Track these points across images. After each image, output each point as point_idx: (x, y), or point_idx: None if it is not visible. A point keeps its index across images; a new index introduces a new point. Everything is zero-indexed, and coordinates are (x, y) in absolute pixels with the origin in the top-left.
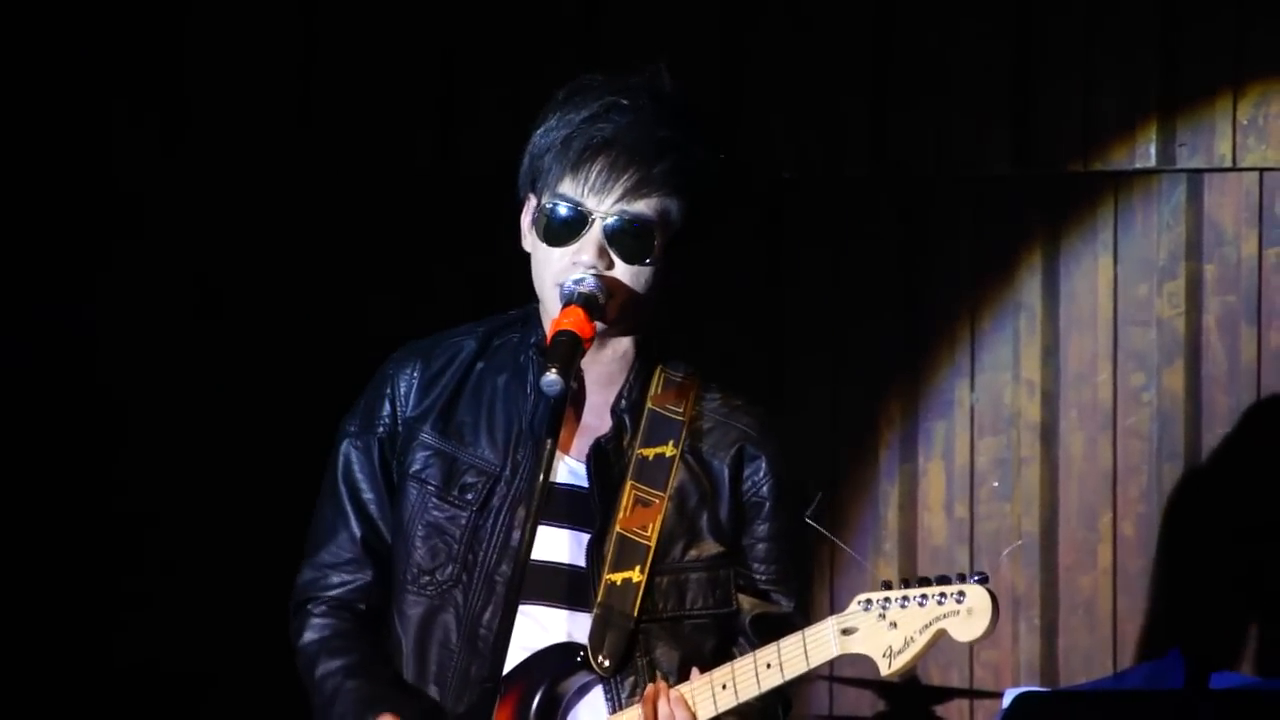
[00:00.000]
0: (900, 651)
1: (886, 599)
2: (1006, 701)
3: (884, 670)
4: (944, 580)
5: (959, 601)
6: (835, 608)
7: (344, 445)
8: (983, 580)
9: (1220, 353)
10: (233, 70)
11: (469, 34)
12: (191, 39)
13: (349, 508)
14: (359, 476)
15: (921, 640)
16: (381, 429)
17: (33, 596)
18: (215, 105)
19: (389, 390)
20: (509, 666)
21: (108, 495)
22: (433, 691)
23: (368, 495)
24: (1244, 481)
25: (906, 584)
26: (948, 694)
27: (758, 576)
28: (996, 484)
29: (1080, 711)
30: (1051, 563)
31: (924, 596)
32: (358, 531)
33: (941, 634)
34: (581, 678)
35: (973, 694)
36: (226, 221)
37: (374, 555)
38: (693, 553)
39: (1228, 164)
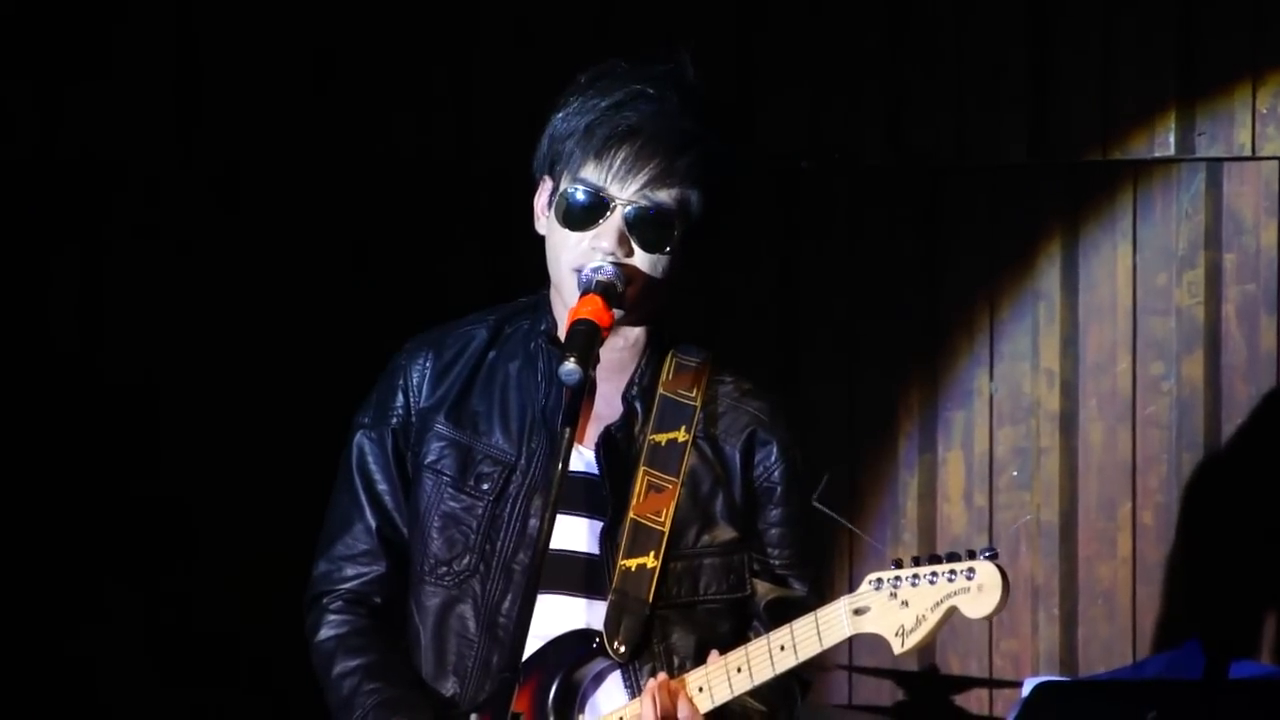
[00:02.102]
0: (913, 630)
1: (897, 578)
2: (1026, 691)
3: (897, 649)
4: (954, 557)
5: (969, 578)
6: (853, 591)
7: (357, 437)
8: (992, 556)
9: (1240, 342)
10: (247, 63)
11: (485, 23)
12: (205, 31)
13: (363, 499)
14: (373, 468)
15: (933, 618)
16: (395, 420)
17: (43, 591)
18: (230, 98)
19: (401, 381)
20: (526, 655)
21: (121, 492)
22: (452, 683)
23: (381, 486)
24: (1264, 470)
25: (917, 562)
26: (967, 683)
27: (773, 561)
28: (1016, 473)
29: (1099, 701)
30: (1071, 552)
31: (934, 574)
32: (372, 523)
33: (953, 611)
34: (598, 664)
35: (992, 683)
36: (241, 214)
37: (389, 546)
38: (706, 538)
39: (1247, 153)
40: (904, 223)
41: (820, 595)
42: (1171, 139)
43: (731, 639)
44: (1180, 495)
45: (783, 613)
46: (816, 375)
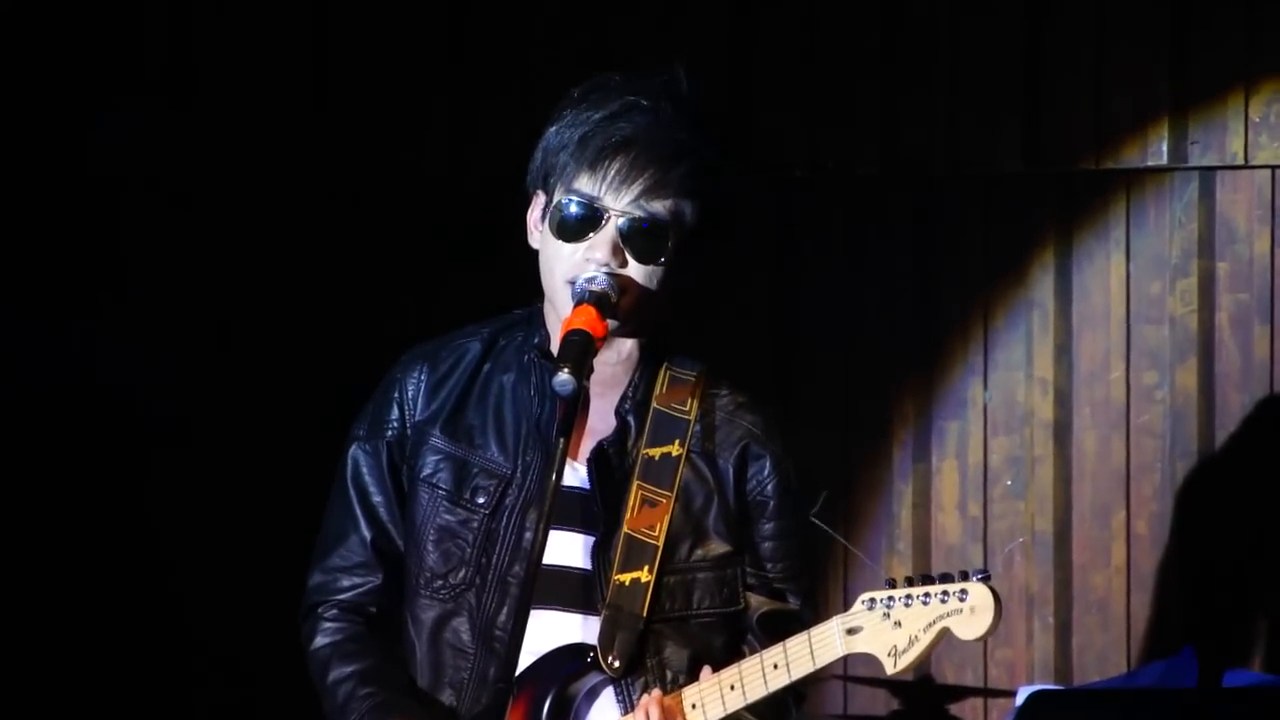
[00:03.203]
0: (905, 651)
1: (890, 598)
2: (1020, 699)
3: (889, 669)
4: (946, 578)
5: (961, 599)
6: (848, 607)
7: (352, 449)
8: (985, 578)
9: (1233, 350)
10: (243, 75)
11: (478, 35)
12: (201, 43)
13: (358, 511)
14: (367, 480)
15: (926, 639)
16: (390, 433)
17: (49, 603)
18: (226, 109)
19: (397, 394)
20: (520, 669)
21: (117, 501)
22: (448, 695)
23: (376, 499)
24: (1257, 479)
25: (910, 582)
26: (961, 692)
27: (767, 575)
28: (1010, 483)
29: (1094, 710)
30: (1065, 561)
31: (927, 595)
32: (367, 535)
33: (946, 632)
34: (591, 679)
35: (987, 692)
36: (238, 228)
37: (383, 558)
38: (699, 552)
39: (1240, 161)
40: (898, 232)
41: (815, 608)
42: (1164, 148)
43: (725, 653)
44: (1174, 504)
45: (778, 626)
46: (811, 384)
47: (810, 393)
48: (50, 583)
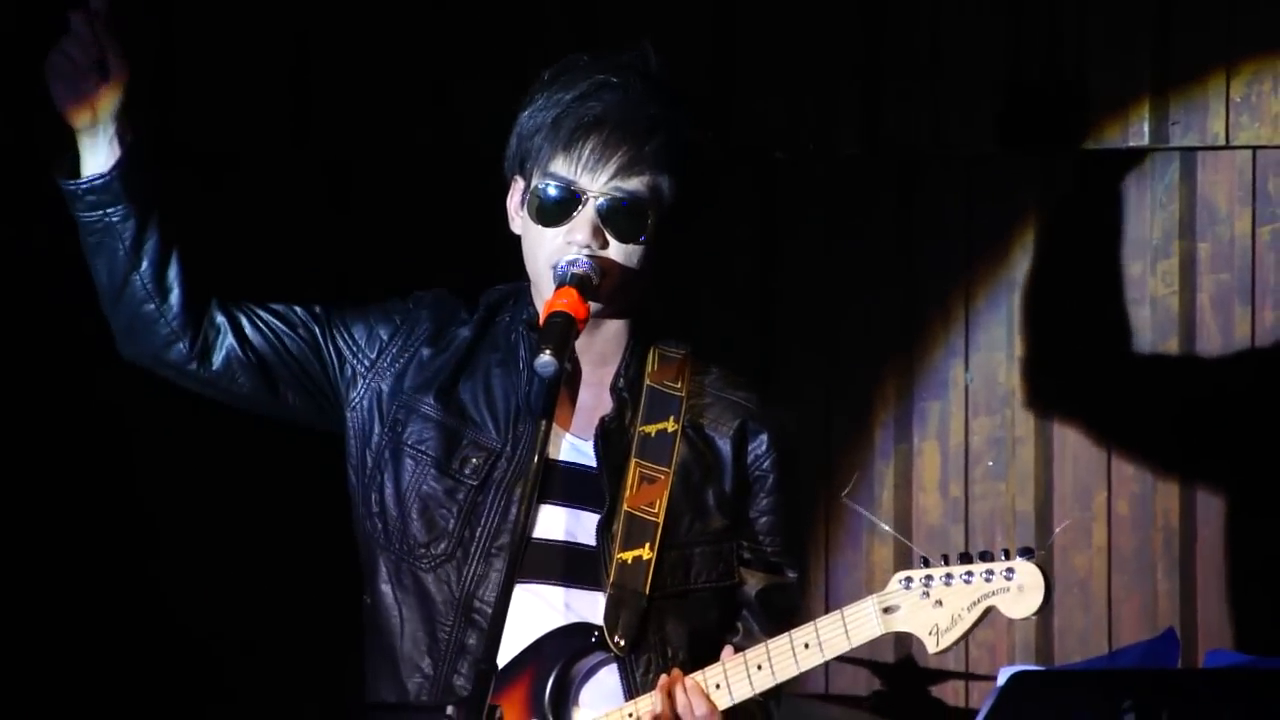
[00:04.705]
0: (948, 629)
1: (929, 577)
2: (1001, 680)
3: (931, 648)
4: (987, 556)
5: (1008, 578)
6: (830, 586)
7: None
8: (1030, 556)
9: (1214, 331)
10: (225, 47)
11: (466, 8)
12: (183, 12)
13: (299, 309)
14: (299, 313)
15: (970, 618)
16: (358, 334)
17: (39, 593)
18: (207, 83)
19: (400, 318)
20: (518, 647)
21: (109, 491)
22: (427, 664)
23: (294, 318)
24: (1238, 459)
25: (946, 560)
26: (943, 673)
27: (765, 549)
28: (991, 463)
29: (1075, 690)
30: (1046, 542)
31: (969, 574)
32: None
33: (991, 611)
34: (594, 658)
35: (968, 673)
36: (222, 205)
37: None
38: (698, 527)
39: (1221, 142)
40: (879, 214)
41: (804, 584)
42: (1145, 128)
43: (719, 628)
44: (1155, 484)
45: (777, 600)
46: (793, 366)
47: (792, 374)
48: (43, 576)
